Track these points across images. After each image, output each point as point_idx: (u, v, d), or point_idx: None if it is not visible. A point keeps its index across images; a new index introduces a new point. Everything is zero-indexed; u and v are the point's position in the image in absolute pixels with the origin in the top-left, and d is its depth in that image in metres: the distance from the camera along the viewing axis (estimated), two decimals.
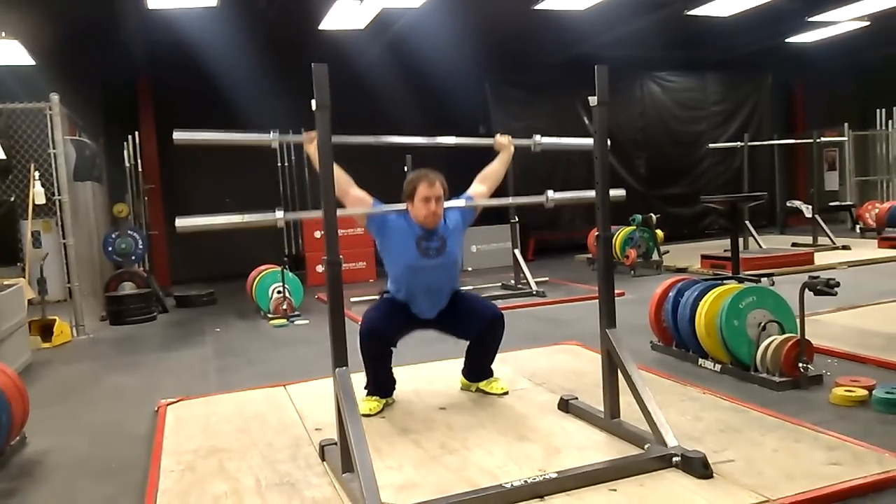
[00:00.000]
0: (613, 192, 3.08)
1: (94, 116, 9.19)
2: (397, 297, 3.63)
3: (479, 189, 3.72)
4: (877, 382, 3.42)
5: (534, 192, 3.36)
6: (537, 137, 3.47)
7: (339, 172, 3.18)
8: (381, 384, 3.64)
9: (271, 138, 2.66)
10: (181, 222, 2.61)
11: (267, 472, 2.90)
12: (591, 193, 3.10)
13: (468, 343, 3.76)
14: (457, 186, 3.69)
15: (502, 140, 3.68)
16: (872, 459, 2.64)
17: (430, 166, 3.57)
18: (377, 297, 3.77)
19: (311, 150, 3.10)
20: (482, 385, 3.80)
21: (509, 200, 3.40)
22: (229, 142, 2.86)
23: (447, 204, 3.52)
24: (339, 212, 2.75)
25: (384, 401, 3.63)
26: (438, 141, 3.30)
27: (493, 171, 3.76)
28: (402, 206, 3.50)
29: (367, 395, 3.61)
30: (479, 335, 3.68)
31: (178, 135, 2.59)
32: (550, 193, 3.30)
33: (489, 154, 3.77)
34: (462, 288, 3.88)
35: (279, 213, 2.72)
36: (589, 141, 3.07)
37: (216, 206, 10.58)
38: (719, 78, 12.87)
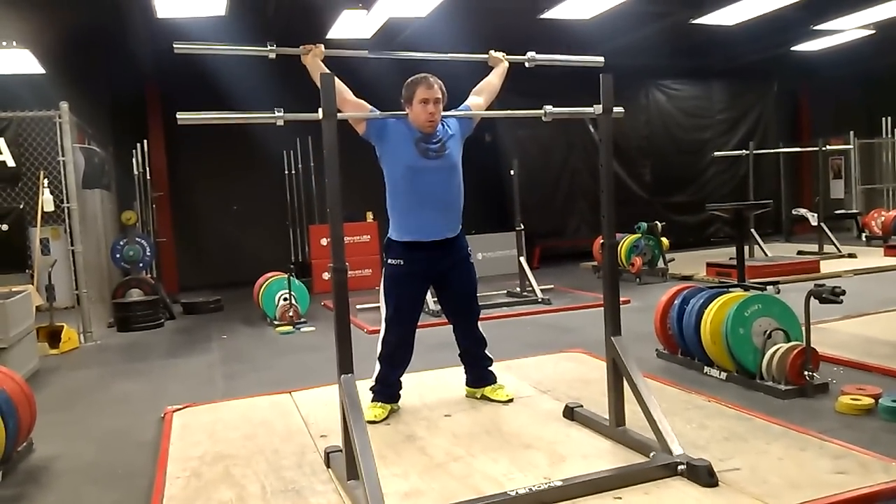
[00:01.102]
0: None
1: (103, 124, 9.25)
2: (401, 226, 3.52)
3: (477, 101, 3.72)
4: (883, 391, 3.42)
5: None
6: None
7: (336, 82, 3.06)
8: (390, 386, 3.65)
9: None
10: (182, 116, 2.59)
11: (272, 479, 2.91)
12: (588, 109, 3.07)
13: (458, 351, 3.83)
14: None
15: (496, 55, 3.70)
16: (879, 468, 2.63)
17: None
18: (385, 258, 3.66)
19: (309, 61, 3.13)
20: (487, 391, 3.81)
21: (506, 112, 3.39)
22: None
23: (445, 114, 3.49)
24: (339, 115, 2.72)
25: (389, 407, 3.64)
26: (438, 56, 3.27)
27: (490, 83, 3.78)
28: (400, 114, 3.47)
29: (373, 401, 3.62)
30: (456, 328, 3.75)
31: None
32: (548, 108, 3.18)
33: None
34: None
35: (278, 112, 2.68)
36: (590, 59, 3.04)
37: (224, 213, 10.65)
38: (724, 86, 12.88)
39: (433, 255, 3.54)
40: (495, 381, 3.84)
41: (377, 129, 3.48)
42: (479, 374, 3.83)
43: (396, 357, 3.61)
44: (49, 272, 6.46)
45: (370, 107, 3.44)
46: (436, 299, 6.38)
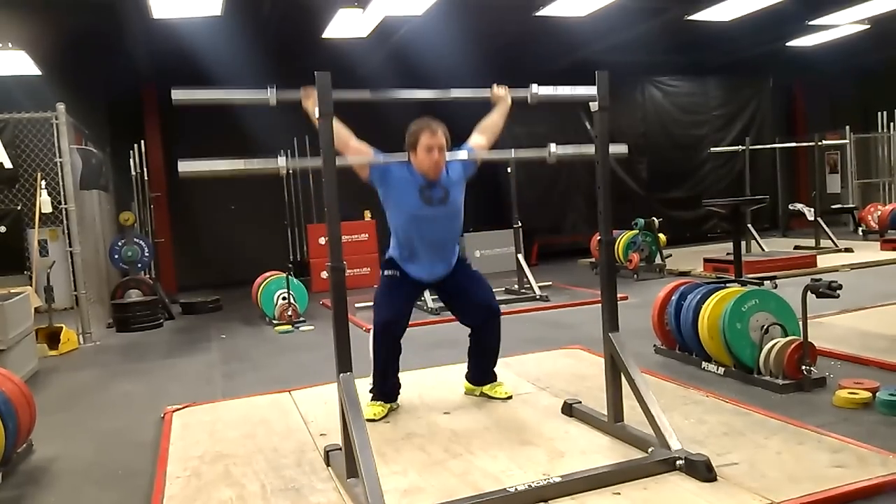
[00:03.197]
0: (613, 149, 3.08)
1: (100, 125, 9.24)
2: (400, 257, 3.57)
3: (479, 140, 3.69)
4: (880, 384, 3.43)
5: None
6: (533, 87, 3.28)
7: (338, 125, 3.15)
8: (388, 386, 3.65)
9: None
10: (183, 166, 2.57)
11: (272, 478, 2.91)
12: (591, 149, 3.08)
13: (469, 344, 3.79)
14: None
15: (499, 91, 3.59)
16: (876, 461, 2.64)
17: None
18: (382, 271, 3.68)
19: (309, 105, 3.06)
20: (486, 389, 3.81)
21: (511, 154, 3.42)
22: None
23: (449, 157, 3.47)
24: (341, 160, 2.70)
25: (389, 406, 3.65)
26: (441, 95, 3.27)
27: (492, 122, 3.74)
28: (403, 157, 3.46)
29: (372, 399, 3.63)
30: (477, 330, 3.71)
31: (177, 94, 2.53)
32: (553, 148, 3.20)
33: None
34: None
35: (282, 161, 2.69)
36: (590, 90, 3.04)
37: (222, 213, 10.65)
38: (720, 82, 12.89)
39: (429, 283, 3.65)
40: (495, 380, 3.84)
41: (380, 175, 3.49)
42: (483, 374, 3.83)
43: (387, 361, 3.59)
44: (47, 273, 6.45)
45: (373, 150, 3.42)
46: (434, 297, 6.43)
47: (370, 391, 3.65)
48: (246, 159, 2.74)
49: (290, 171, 10.32)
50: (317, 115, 2.67)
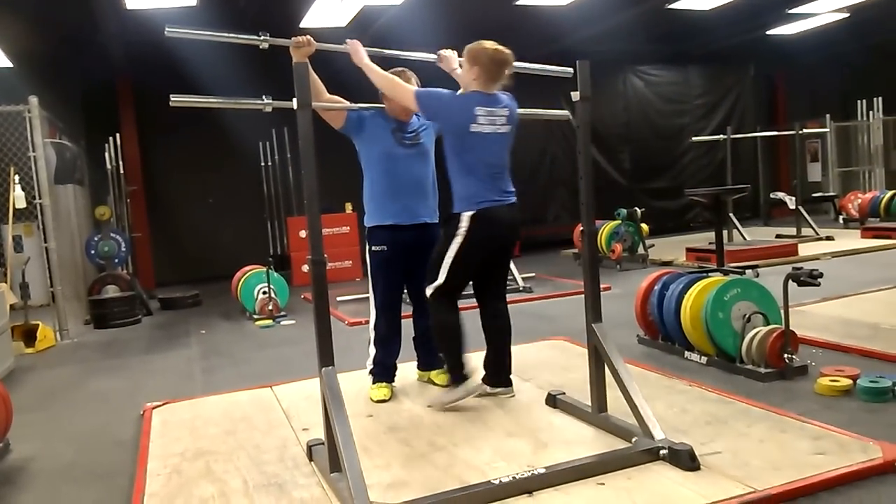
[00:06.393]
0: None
1: (75, 118, 9.09)
2: (379, 208, 3.67)
3: None
4: (861, 372, 3.45)
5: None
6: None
7: (314, 79, 3.28)
8: (392, 361, 3.79)
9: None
10: (175, 99, 2.59)
11: (254, 474, 2.88)
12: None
13: (413, 336, 3.97)
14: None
15: (445, 53, 3.69)
16: (857, 448, 2.66)
17: None
18: (369, 254, 3.79)
19: (297, 57, 3.21)
20: (432, 375, 3.94)
21: None
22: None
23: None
24: (319, 105, 2.79)
25: (392, 386, 3.77)
26: (424, 56, 3.43)
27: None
28: (378, 105, 3.64)
29: (374, 382, 3.76)
30: (419, 323, 3.89)
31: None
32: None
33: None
34: None
35: (266, 99, 2.71)
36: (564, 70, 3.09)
37: (200, 206, 10.49)
38: (701, 71, 12.96)
39: (412, 238, 3.67)
40: (442, 367, 3.92)
41: (355, 121, 3.65)
42: (429, 359, 3.97)
43: (390, 339, 3.78)
44: (23, 270, 6.35)
45: (347, 103, 3.57)
46: None
47: (370, 372, 3.79)
48: (233, 99, 2.89)
49: (270, 164, 10.30)
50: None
